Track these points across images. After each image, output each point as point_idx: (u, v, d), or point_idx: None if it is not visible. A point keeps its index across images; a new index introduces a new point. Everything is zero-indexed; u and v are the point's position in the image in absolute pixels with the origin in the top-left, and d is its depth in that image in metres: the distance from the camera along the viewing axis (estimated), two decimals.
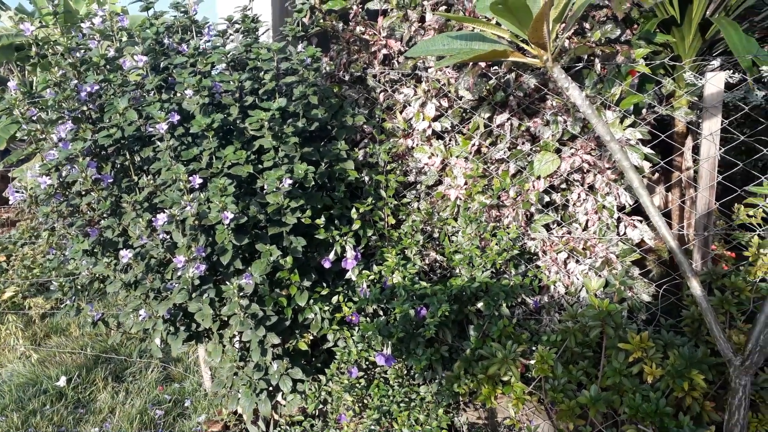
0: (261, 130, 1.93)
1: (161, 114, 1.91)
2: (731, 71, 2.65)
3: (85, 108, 2.11)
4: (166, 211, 1.82)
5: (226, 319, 2.01)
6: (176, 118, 1.94)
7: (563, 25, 1.62)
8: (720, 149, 2.21)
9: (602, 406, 1.83)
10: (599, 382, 1.91)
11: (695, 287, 1.54)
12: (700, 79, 2.21)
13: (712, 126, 2.11)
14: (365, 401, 2.17)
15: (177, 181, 1.85)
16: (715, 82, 2.08)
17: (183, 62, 2.09)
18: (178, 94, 2.09)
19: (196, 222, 1.84)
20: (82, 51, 2.15)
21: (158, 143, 1.95)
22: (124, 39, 2.29)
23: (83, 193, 2.06)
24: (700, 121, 2.27)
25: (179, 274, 1.87)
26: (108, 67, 2.11)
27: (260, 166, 1.99)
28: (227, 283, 1.84)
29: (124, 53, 2.22)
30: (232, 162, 1.92)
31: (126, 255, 1.92)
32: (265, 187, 1.87)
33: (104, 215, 2.11)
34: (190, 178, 1.84)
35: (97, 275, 2.20)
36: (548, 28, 1.47)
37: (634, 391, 1.84)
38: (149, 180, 1.96)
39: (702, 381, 1.77)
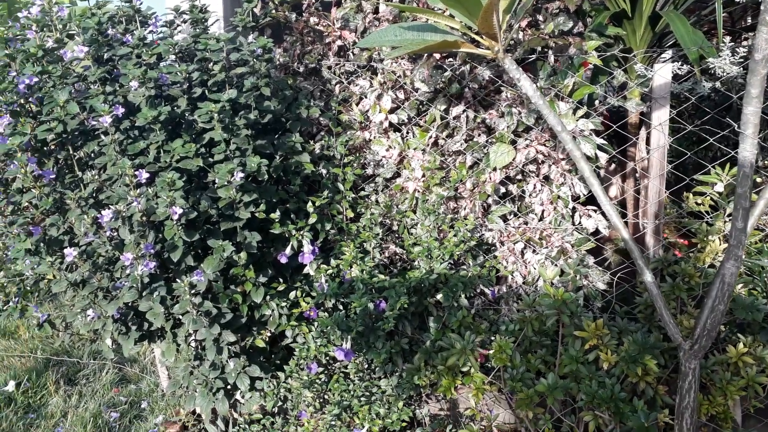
0: (211, 122, 1.87)
1: (105, 107, 1.83)
2: (680, 63, 2.72)
3: (23, 101, 2.01)
4: (112, 207, 1.75)
5: (179, 317, 1.95)
6: (121, 110, 1.87)
7: (514, 15, 1.62)
8: (670, 139, 2.26)
9: (560, 394, 1.85)
10: (557, 370, 1.94)
11: (646, 274, 1.57)
12: (650, 70, 2.25)
13: (661, 116, 2.15)
14: (326, 397, 2.14)
15: (123, 175, 1.78)
16: (663, 73, 2.13)
17: (127, 53, 2.01)
18: (124, 87, 2.01)
19: (144, 218, 1.77)
20: (20, 42, 2.04)
21: (103, 137, 1.87)
22: (72, 30, 2.18)
23: (24, 189, 1.97)
24: (651, 112, 2.31)
25: (128, 272, 1.80)
26: (47, 58, 2.01)
27: (211, 159, 1.93)
28: (178, 280, 1.78)
29: (66, 44, 2.12)
30: (181, 156, 1.86)
31: (70, 253, 1.84)
32: (217, 181, 1.81)
33: (48, 213, 2.02)
34: (137, 172, 1.77)
35: (41, 275, 2.10)
36: (498, 18, 1.47)
37: (590, 378, 1.87)
38: (94, 175, 1.88)
39: (654, 366, 1.81)
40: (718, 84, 2.46)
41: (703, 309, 1.50)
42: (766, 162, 2.56)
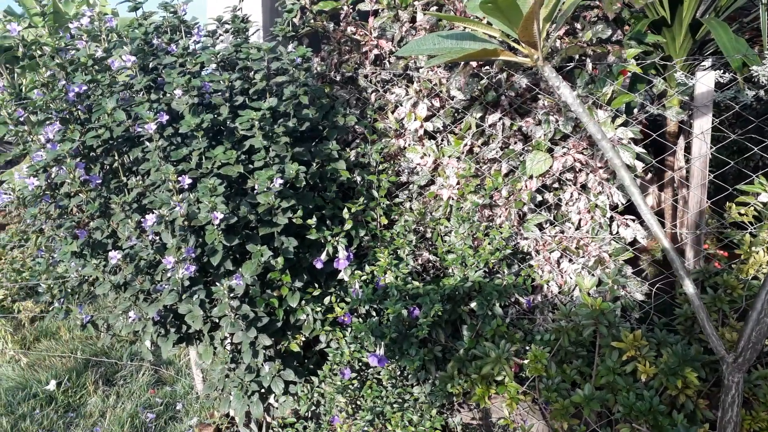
0: (251, 129, 1.91)
1: (150, 114, 1.89)
2: (722, 71, 2.66)
3: (73, 109, 2.09)
4: (155, 211, 1.80)
5: (216, 320, 1.99)
6: (165, 118, 1.92)
7: (553, 24, 1.62)
8: (711, 148, 2.22)
9: (596, 405, 1.83)
10: (593, 381, 1.91)
11: (688, 285, 1.54)
12: (691, 78, 2.22)
13: (702, 125, 2.11)
14: (358, 402, 2.15)
15: (166, 181, 1.83)
16: (705, 81, 2.09)
17: (172, 62, 2.07)
18: (168, 95, 2.07)
19: (186, 223, 1.82)
20: (70, 51, 2.13)
21: (147, 144, 1.93)
22: (114, 39, 2.27)
23: (71, 194, 2.04)
24: (691, 120, 2.27)
25: (169, 275, 1.84)
26: (96, 67, 2.09)
27: (251, 166, 1.97)
28: (217, 284, 1.82)
29: (113, 54, 2.20)
30: (222, 162, 1.90)
31: (115, 256, 1.90)
32: (256, 187, 1.85)
33: (93, 216, 2.09)
34: (180, 178, 1.82)
35: (86, 277, 2.17)
36: (538, 26, 1.47)
37: (627, 390, 1.83)
38: (138, 181, 1.94)
39: (695, 379, 1.77)
40: (761, 92, 2.40)
41: (748, 321, 1.46)
42: None
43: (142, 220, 1.84)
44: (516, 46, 1.60)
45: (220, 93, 2.08)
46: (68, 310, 2.26)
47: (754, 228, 2.10)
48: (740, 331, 1.52)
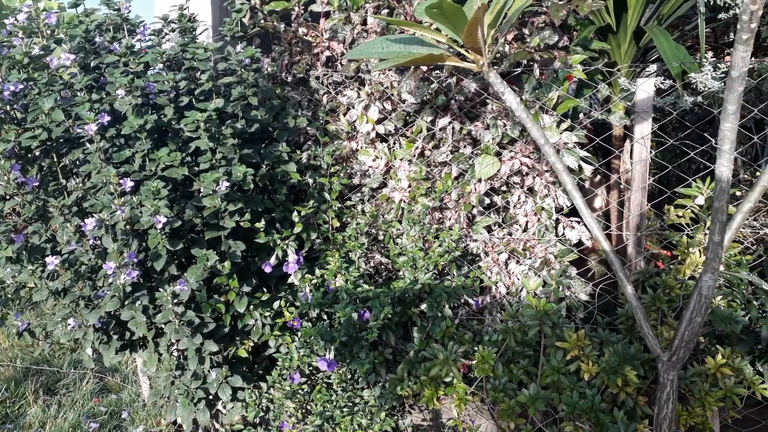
0: (197, 131, 1.87)
1: (90, 115, 1.83)
2: (663, 78, 2.76)
3: (8, 108, 2.00)
4: (95, 215, 1.74)
5: (161, 326, 1.94)
6: (106, 118, 1.87)
7: (499, 30, 1.64)
8: (652, 153, 2.30)
9: (541, 405, 1.86)
10: (539, 380, 1.95)
11: (626, 286, 1.59)
12: (633, 85, 2.29)
13: (643, 130, 2.18)
14: (308, 407, 2.14)
15: (107, 184, 1.78)
16: (645, 88, 2.16)
17: (114, 61, 2.01)
18: (111, 95, 2.01)
19: (128, 227, 1.77)
20: (4, 49, 2.04)
21: (88, 145, 1.86)
22: (57, 35, 2.18)
23: (7, 197, 1.95)
24: (633, 125, 2.35)
25: (110, 280, 1.79)
26: (33, 65, 2.01)
27: (197, 168, 1.93)
28: (161, 289, 1.77)
29: (53, 51, 2.12)
30: (167, 164, 1.86)
31: (52, 262, 1.83)
32: (202, 190, 1.81)
33: (30, 220, 2.01)
34: (121, 180, 1.77)
35: (22, 283, 2.08)
36: (483, 33, 1.49)
37: (571, 389, 1.88)
38: (78, 183, 1.87)
39: (634, 377, 1.83)
40: (699, 98, 2.51)
41: (682, 321, 1.52)
42: (746, 176, 2.61)
43: (82, 224, 1.78)
44: (462, 51, 1.62)
45: (165, 93, 2.03)
46: (4, 317, 2.17)
47: (691, 230, 2.19)
48: (675, 330, 1.58)
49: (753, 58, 2.55)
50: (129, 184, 1.79)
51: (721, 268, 2.12)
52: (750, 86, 2.44)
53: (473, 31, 1.46)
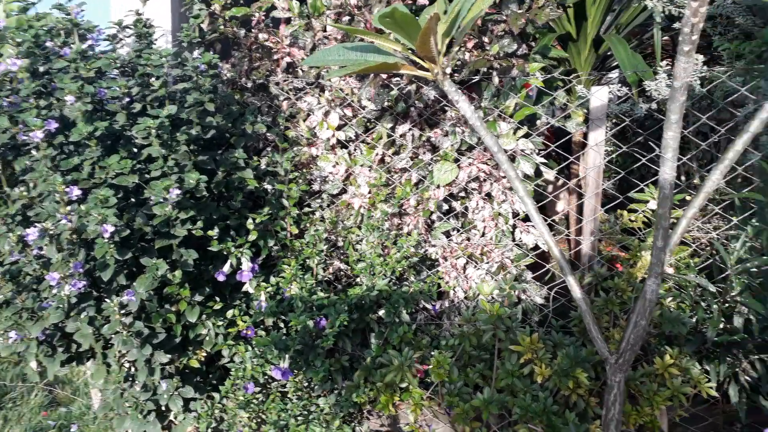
0: (149, 138, 1.85)
1: (37, 122, 1.79)
2: (620, 85, 2.82)
3: None
4: (39, 224, 1.71)
5: (110, 338, 1.90)
6: (54, 125, 1.83)
7: (453, 39, 1.66)
8: (605, 159, 2.34)
9: (495, 408, 1.88)
10: (494, 384, 1.96)
11: (575, 289, 1.61)
12: (589, 93, 2.33)
13: (597, 137, 2.22)
14: (263, 416, 2.12)
15: (53, 192, 1.74)
16: (599, 95, 2.20)
17: (65, 67, 1.97)
18: (60, 101, 1.97)
19: (74, 236, 1.73)
20: None
21: (34, 152, 1.83)
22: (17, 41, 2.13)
23: None
24: (587, 132, 2.39)
25: (54, 292, 1.75)
26: None
27: (149, 176, 1.91)
28: (107, 300, 1.74)
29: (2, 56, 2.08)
30: (117, 172, 1.83)
31: None
32: (152, 198, 1.79)
33: None
34: (68, 189, 1.73)
35: None
36: (436, 42, 1.50)
37: (525, 392, 1.90)
38: (23, 191, 1.83)
39: (585, 379, 1.86)
40: (654, 105, 2.56)
41: (628, 324, 1.55)
42: (697, 181, 2.67)
43: (24, 233, 1.74)
44: (418, 60, 1.63)
45: (117, 100, 2.00)
46: None
47: (643, 233, 2.23)
48: (623, 333, 1.61)
49: (706, 67, 2.61)
50: (76, 192, 1.75)
51: (671, 270, 2.17)
52: (701, 94, 2.50)
53: (426, 40, 1.47)
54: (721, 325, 1.87)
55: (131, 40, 2.36)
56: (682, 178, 2.74)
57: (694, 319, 1.95)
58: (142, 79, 2.09)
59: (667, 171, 1.41)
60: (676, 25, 2.67)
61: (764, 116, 1.35)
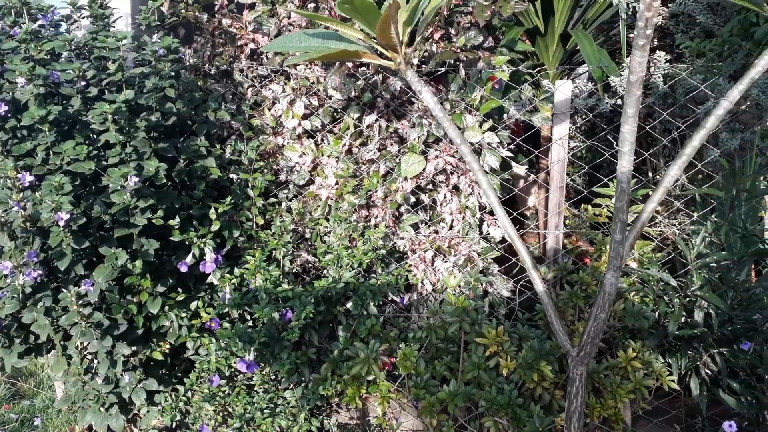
0: (105, 123, 1.78)
1: None
2: (587, 80, 2.85)
3: None
4: None
5: (68, 329, 1.83)
6: (3, 108, 1.74)
7: (415, 28, 1.64)
8: (569, 153, 2.36)
9: (461, 401, 1.88)
10: (460, 376, 1.97)
11: (537, 283, 1.62)
12: (553, 87, 2.35)
13: (561, 131, 2.24)
14: (229, 410, 2.08)
15: (5, 178, 1.66)
16: (563, 90, 2.22)
17: (15, 47, 1.88)
18: (12, 83, 1.88)
19: (29, 224, 1.65)
20: None
21: None
22: None
23: None
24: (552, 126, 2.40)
25: (8, 281, 1.67)
26: None
27: (106, 162, 1.84)
28: (64, 290, 1.67)
29: None
30: (72, 158, 1.75)
31: None
32: (110, 185, 1.72)
33: None
34: (20, 175, 1.65)
35: None
36: (397, 31, 1.47)
37: (491, 384, 1.91)
38: None
39: (550, 372, 1.88)
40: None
41: (589, 318, 1.56)
42: (657, 176, 2.72)
43: None
44: (381, 49, 1.60)
45: (71, 83, 1.91)
46: None
47: (607, 227, 2.27)
48: (584, 327, 1.62)
49: (668, 64, 2.66)
50: (28, 178, 1.67)
51: (635, 265, 2.21)
52: (663, 91, 2.54)
53: (386, 28, 1.44)
54: (683, 319, 1.91)
55: (87, 22, 2.27)
56: (649, 174, 2.79)
57: (656, 313, 1.99)
58: (97, 63, 2.01)
59: (625, 164, 1.42)
60: None
61: (720, 113, 1.37)
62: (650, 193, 2.57)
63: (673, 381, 1.89)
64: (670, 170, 1.47)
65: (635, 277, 2.14)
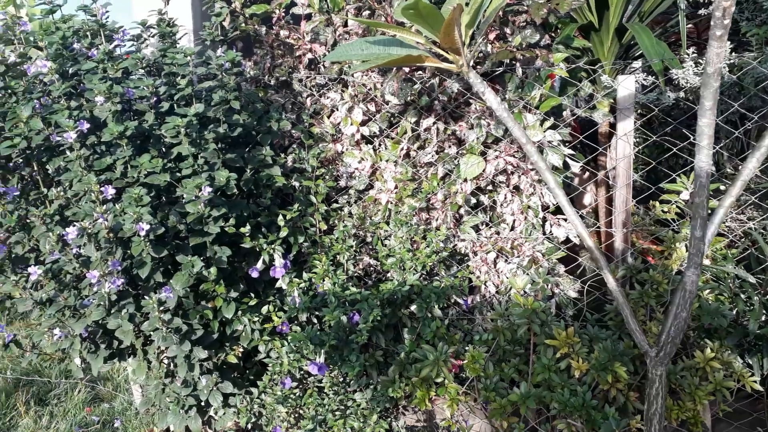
0: (178, 137, 1.85)
1: (69, 122, 1.80)
2: (645, 74, 2.77)
3: None
4: (77, 224, 1.72)
5: (150, 334, 1.92)
6: (86, 126, 1.84)
7: (477, 30, 1.64)
8: (635, 149, 2.30)
9: (532, 403, 1.86)
10: (530, 378, 1.95)
11: (611, 282, 1.59)
12: (615, 82, 2.30)
13: (626, 127, 2.19)
14: (301, 411, 2.12)
15: (89, 192, 1.75)
16: (626, 85, 2.17)
17: (93, 68, 1.98)
18: (90, 102, 1.98)
19: (111, 234, 1.74)
20: None
21: (68, 153, 1.84)
22: (38, 44, 2.15)
23: None
24: (615, 122, 2.35)
25: (95, 289, 1.77)
26: (10, 73, 1.98)
27: (179, 174, 1.91)
28: (146, 297, 1.75)
29: (30, 59, 2.09)
30: (149, 171, 1.84)
31: (35, 272, 1.80)
32: (185, 196, 1.79)
33: (12, 230, 1.98)
34: (102, 188, 1.74)
35: (6, 294, 2.05)
36: (460, 33, 1.48)
37: (562, 387, 1.88)
38: (59, 192, 1.85)
39: (624, 373, 1.83)
40: (682, 94, 2.52)
41: (667, 316, 1.52)
42: (730, 170, 2.62)
43: (64, 233, 1.76)
44: (441, 52, 1.61)
45: (145, 99, 2.01)
46: None
47: (677, 224, 2.20)
48: (662, 326, 1.58)
49: (734, 53, 2.56)
50: (111, 191, 1.77)
51: (708, 262, 2.14)
52: (731, 81, 2.45)
53: (450, 32, 1.45)
54: (763, 318, 1.83)
55: (155, 40, 2.37)
56: (713, 167, 2.69)
57: (734, 312, 1.91)
58: (168, 78, 2.10)
59: (703, 159, 1.39)
60: (701, 11, 2.62)
61: None
62: (721, 187, 2.49)
63: (755, 382, 1.82)
64: (748, 163, 1.42)
65: (709, 274, 2.07)
